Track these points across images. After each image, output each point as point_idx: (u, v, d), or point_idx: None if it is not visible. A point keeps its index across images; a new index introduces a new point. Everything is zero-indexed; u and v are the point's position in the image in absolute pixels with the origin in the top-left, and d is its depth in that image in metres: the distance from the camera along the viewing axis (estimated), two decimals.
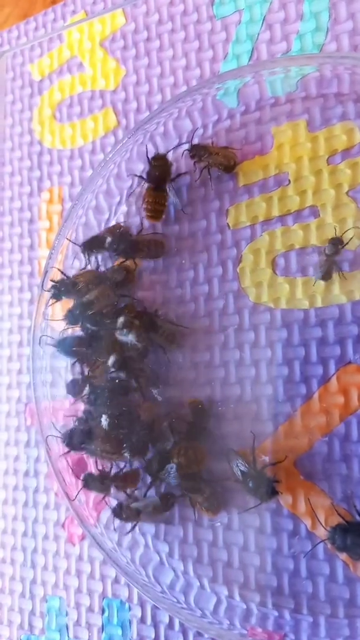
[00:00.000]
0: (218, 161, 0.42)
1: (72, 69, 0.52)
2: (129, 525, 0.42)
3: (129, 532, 0.41)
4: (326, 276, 0.38)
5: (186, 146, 0.43)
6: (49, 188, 0.51)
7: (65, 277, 0.43)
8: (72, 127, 0.51)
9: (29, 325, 0.51)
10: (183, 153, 0.43)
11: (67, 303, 0.44)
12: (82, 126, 0.50)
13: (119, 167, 0.45)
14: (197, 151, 0.42)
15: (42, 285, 0.44)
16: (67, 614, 0.45)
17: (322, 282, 0.38)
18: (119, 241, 0.43)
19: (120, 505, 0.40)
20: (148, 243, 0.44)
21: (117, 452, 0.40)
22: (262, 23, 0.43)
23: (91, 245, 0.44)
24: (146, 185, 0.44)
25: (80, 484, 0.41)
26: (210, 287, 0.42)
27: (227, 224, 0.42)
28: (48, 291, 0.43)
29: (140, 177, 0.44)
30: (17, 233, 0.52)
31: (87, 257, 0.44)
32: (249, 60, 0.44)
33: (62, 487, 0.41)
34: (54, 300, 0.43)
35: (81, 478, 0.41)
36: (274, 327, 0.39)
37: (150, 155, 0.43)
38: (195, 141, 0.44)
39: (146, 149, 0.44)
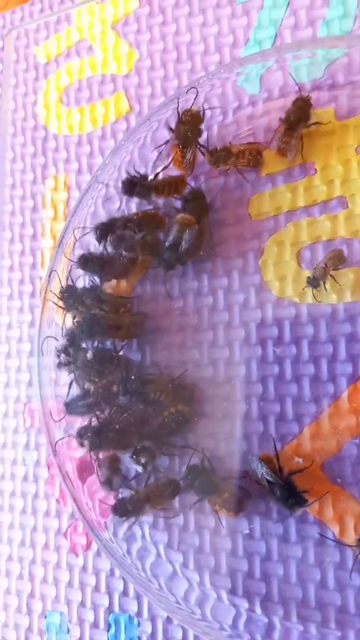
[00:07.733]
0: (244, 162, 0.39)
1: (80, 52, 0.50)
2: (138, 533, 0.39)
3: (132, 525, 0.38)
4: (314, 282, 0.36)
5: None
6: (54, 175, 0.49)
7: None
8: (80, 112, 0.48)
9: (30, 319, 0.48)
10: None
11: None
12: (92, 111, 0.48)
13: (131, 154, 0.43)
14: (218, 156, 0.39)
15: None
16: (68, 631, 0.41)
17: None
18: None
19: (122, 500, 0.37)
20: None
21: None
22: (287, 8, 0.42)
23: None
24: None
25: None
26: (230, 281, 0.40)
27: (248, 214, 0.40)
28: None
29: (170, 128, 0.40)
30: (19, 222, 0.49)
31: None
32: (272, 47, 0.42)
33: (70, 489, 0.38)
34: None
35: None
36: (299, 323, 0.37)
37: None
38: (214, 129, 0.42)
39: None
